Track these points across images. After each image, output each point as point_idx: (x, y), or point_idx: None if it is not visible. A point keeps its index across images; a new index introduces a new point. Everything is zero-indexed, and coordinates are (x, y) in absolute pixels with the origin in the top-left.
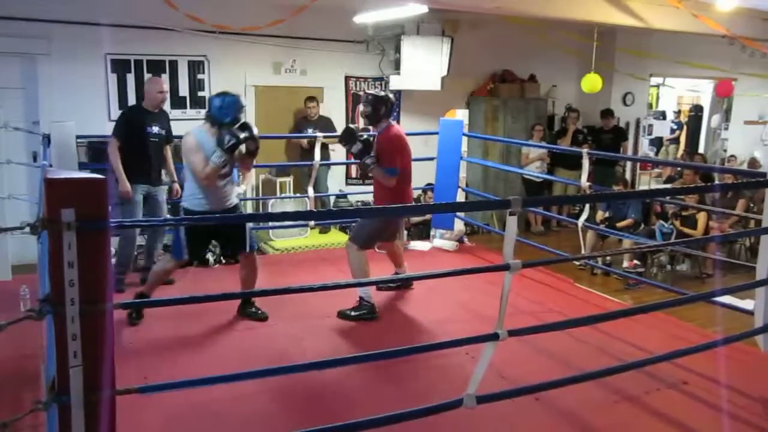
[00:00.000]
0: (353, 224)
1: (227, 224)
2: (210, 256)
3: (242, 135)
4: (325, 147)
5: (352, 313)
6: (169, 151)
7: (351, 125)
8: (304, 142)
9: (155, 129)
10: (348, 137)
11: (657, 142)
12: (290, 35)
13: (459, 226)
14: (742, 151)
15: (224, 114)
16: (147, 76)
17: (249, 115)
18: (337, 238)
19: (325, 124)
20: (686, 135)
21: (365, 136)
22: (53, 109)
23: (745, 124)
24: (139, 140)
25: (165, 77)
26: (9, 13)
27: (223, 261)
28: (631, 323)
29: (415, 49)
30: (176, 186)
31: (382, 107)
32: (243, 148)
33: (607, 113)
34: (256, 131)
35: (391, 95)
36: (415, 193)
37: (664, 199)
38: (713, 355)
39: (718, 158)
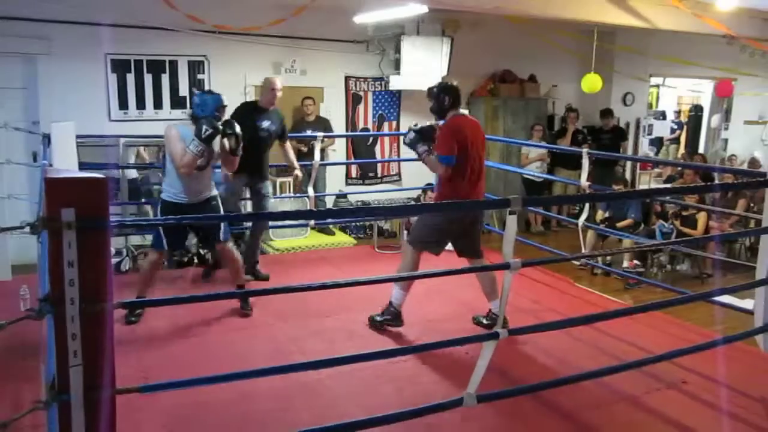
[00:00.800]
0: (353, 223)
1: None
2: (210, 256)
3: (220, 126)
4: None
5: (377, 318)
6: (289, 146)
7: (419, 127)
8: (302, 146)
9: (265, 124)
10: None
11: (657, 142)
12: (290, 35)
13: None
14: (742, 151)
15: (202, 110)
16: (147, 76)
17: None
18: (339, 238)
19: (324, 125)
20: (686, 135)
21: (420, 126)
22: (53, 109)
23: (745, 124)
24: (249, 135)
25: (165, 77)
26: (9, 13)
27: None
28: (631, 323)
29: (415, 49)
30: (297, 173)
31: (446, 97)
32: (226, 144)
33: (607, 113)
34: (238, 129)
35: (455, 83)
36: (415, 193)
37: (664, 198)
38: (713, 355)
39: (718, 158)
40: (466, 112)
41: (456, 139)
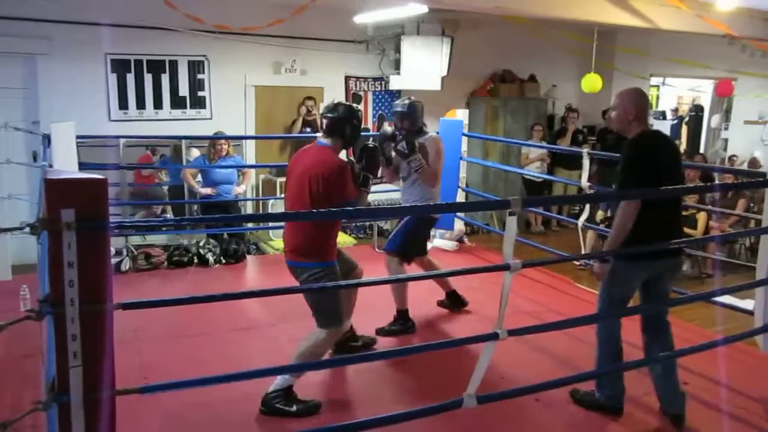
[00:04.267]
0: (353, 224)
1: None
2: (210, 256)
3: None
4: None
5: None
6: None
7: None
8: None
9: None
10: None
11: None
12: (290, 35)
13: (459, 226)
14: (743, 151)
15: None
16: (147, 76)
17: (249, 115)
18: (339, 238)
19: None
20: (687, 135)
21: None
22: (53, 109)
23: (745, 124)
24: None
25: (165, 77)
26: (9, 13)
27: (223, 261)
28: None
29: (415, 49)
30: None
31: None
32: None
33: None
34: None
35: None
36: None
37: None
38: (713, 355)
39: (718, 158)
40: (325, 141)
41: None
